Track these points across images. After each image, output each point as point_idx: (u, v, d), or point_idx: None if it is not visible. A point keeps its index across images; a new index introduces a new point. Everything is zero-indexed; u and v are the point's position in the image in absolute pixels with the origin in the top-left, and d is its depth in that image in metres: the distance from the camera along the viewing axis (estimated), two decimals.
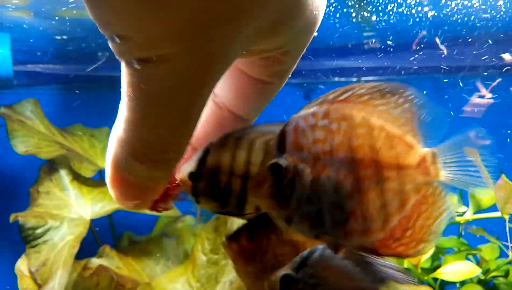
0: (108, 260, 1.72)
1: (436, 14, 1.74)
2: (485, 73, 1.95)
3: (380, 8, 1.76)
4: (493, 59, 1.90)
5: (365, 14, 1.80)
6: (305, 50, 0.48)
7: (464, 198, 1.57)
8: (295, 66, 0.50)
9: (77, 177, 1.94)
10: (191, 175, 0.50)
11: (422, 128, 0.45)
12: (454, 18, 1.76)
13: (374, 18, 1.84)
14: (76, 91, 2.30)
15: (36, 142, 1.93)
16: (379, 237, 0.43)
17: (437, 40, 1.79)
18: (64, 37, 2.10)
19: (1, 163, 2.21)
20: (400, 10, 1.74)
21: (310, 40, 0.48)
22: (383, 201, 0.43)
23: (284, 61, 0.48)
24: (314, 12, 0.44)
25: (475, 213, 1.53)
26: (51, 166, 1.94)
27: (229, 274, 1.58)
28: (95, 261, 1.70)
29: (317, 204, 0.43)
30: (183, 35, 0.37)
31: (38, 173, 1.94)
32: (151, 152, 0.43)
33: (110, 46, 0.39)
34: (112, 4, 0.36)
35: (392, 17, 1.80)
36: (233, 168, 0.50)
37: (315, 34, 0.47)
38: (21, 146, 1.91)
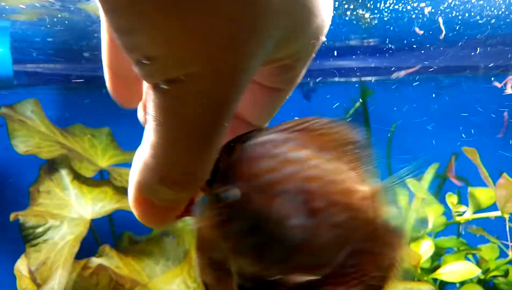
0: (108, 260, 1.72)
1: (433, 10, 1.73)
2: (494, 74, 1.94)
3: (378, 6, 1.76)
4: (496, 58, 1.89)
5: (360, 11, 1.80)
6: (314, 55, 0.48)
7: (463, 197, 1.58)
8: (305, 71, 0.50)
9: (77, 177, 1.94)
10: (208, 181, 0.50)
11: (367, 166, 0.44)
12: (453, 14, 1.76)
13: (368, 16, 1.84)
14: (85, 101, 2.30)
15: (36, 142, 1.94)
16: (326, 273, 0.41)
17: (440, 20, 1.78)
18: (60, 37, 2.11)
19: (1, 163, 2.21)
20: (397, 7, 1.73)
21: (320, 45, 0.47)
22: (331, 236, 0.41)
23: (295, 67, 0.48)
24: (323, 17, 0.44)
25: (474, 212, 1.53)
26: (52, 166, 1.95)
27: None
28: (94, 261, 1.70)
29: (263, 236, 0.41)
30: (213, 52, 0.37)
31: (38, 172, 1.95)
32: (179, 176, 0.42)
33: (135, 69, 0.39)
34: (144, 27, 0.35)
35: (387, 14, 1.79)
36: None
37: (324, 39, 0.47)
38: (22, 146, 1.92)
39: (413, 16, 1.76)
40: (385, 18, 1.80)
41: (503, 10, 1.72)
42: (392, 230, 0.43)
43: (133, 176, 0.44)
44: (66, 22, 1.91)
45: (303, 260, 0.41)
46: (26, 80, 2.29)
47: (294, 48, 0.44)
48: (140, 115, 0.55)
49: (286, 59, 0.45)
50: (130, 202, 0.46)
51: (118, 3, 0.35)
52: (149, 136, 0.42)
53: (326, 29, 0.46)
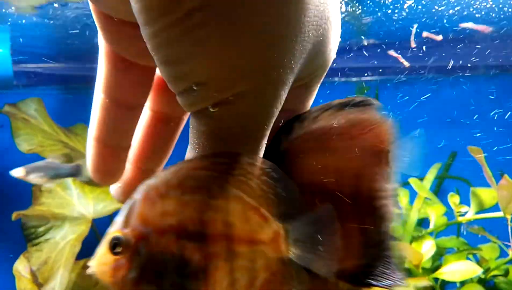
0: None
1: (414, 5, 1.70)
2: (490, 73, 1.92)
3: (377, 9, 1.74)
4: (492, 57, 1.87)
5: (356, 11, 1.78)
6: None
7: (465, 198, 1.57)
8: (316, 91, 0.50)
9: None
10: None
11: (277, 202, 0.42)
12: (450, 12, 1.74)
13: (368, 19, 1.82)
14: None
15: (39, 141, 1.94)
16: None
17: (413, 35, 1.76)
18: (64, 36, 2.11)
19: (5, 162, 2.21)
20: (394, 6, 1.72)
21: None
22: (232, 280, 0.40)
23: (311, 86, 0.48)
24: (338, 30, 0.45)
25: (477, 213, 1.52)
26: None
27: None
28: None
29: (157, 284, 0.40)
30: (262, 68, 0.38)
31: None
32: None
33: (180, 99, 0.39)
34: (198, 53, 0.37)
35: (388, 15, 1.78)
36: None
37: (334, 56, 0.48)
38: (25, 144, 1.92)
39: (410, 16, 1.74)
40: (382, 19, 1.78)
41: (491, 4, 1.69)
42: (293, 269, 0.41)
43: None
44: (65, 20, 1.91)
45: None
46: (26, 80, 2.29)
47: (317, 62, 0.45)
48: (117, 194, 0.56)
49: (307, 76, 0.46)
50: None
51: (172, 34, 0.37)
52: None
53: (338, 43, 0.47)
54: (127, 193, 0.56)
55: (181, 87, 0.39)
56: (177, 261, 0.39)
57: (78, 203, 1.87)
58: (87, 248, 1.72)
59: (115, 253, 0.41)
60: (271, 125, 0.41)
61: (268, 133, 0.41)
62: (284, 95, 0.40)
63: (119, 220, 0.41)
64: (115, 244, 0.40)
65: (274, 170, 0.42)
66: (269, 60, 0.38)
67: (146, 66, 0.50)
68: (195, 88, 0.38)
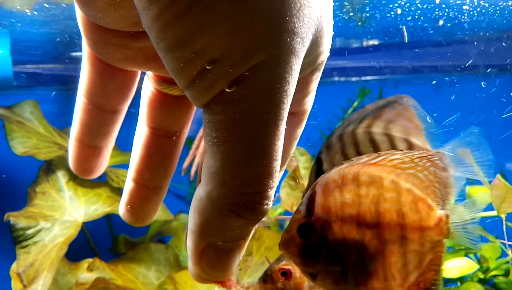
0: (99, 273, 1.67)
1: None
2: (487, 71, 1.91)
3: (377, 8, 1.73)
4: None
5: (360, 14, 1.77)
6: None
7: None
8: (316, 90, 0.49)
9: (74, 178, 1.92)
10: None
11: (440, 189, 0.49)
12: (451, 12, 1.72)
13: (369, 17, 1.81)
14: None
15: (34, 143, 1.94)
16: None
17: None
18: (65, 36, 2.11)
19: (0, 164, 2.21)
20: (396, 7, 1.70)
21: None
22: (404, 261, 0.48)
23: (312, 81, 0.46)
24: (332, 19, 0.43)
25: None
26: (49, 167, 1.94)
27: (249, 277, 1.55)
28: (86, 276, 1.67)
29: (340, 264, 0.48)
30: (276, 36, 0.35)
31: (38, 173, 1.94)
32: (252, 196, 0.39)
33: (193, 90, 0.36)
34: (209, 24, 0.34)
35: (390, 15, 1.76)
36: None
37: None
38: (20, 147, 1.91)
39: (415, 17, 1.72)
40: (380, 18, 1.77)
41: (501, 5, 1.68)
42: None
43: (194, 222, 0.41)
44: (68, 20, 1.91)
45: (377, 285, 0.48)
46: (25, 81, 2.30)
47: (318, 50, 0.42)
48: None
49: (309, 66, 0.44)
50: (191, 259, 0.42)
51: (181, 6, 0.34)
52: (209, 167, 0.38)
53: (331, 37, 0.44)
54: (136, 214, 0.57)
55: (193, 71, 0.35)
56: (358, 246, 0.47)
57: (70, 206, 1.85)
58: (81, 251, 1.71)
59: (303, 237, 0.48)
60: (288, 107, 0.37)
61: (286, 116, 0.38)
62: (297, 71, 0.37)
63: (301, 208, 0.47)
64: (304, 230, 0.47)
65: (440, 159, 0.48)
66: (282, 24, 0.35)
67: (128, 72, 0.51)
68: (208, 67, 0.34)
